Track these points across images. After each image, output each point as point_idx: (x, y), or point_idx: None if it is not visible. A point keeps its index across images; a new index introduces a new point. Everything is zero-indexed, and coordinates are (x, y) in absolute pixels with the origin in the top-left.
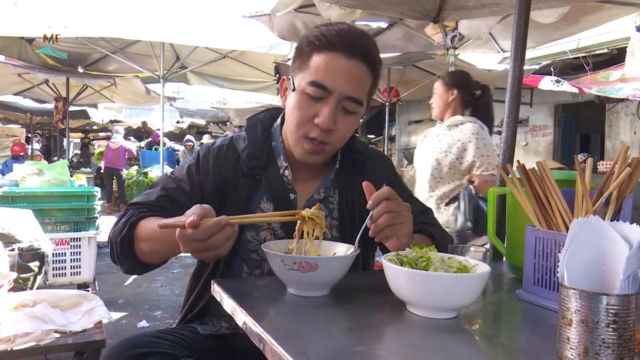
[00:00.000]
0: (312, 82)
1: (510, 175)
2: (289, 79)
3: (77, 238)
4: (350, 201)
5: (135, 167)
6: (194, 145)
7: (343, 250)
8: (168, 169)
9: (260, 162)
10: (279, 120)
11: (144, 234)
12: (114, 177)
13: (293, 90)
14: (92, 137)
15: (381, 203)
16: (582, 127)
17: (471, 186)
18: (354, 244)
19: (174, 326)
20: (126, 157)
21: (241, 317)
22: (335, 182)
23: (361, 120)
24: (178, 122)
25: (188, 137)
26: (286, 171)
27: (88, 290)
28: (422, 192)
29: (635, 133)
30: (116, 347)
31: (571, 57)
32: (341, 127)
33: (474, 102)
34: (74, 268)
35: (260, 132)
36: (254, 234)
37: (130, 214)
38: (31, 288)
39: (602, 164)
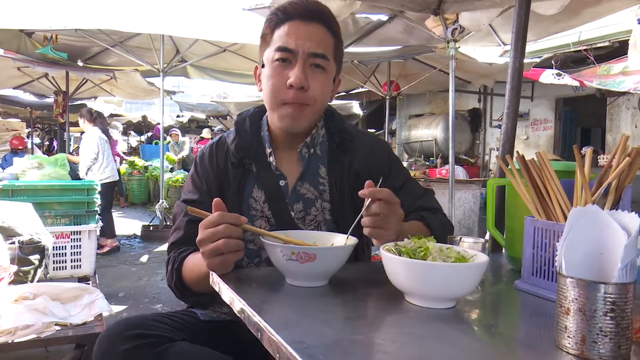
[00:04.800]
0: (276, 48)
1: (509, 167)
2: (260, 65)
3: (77, 231)
4: (339, 182)
5: (135, 158)
6: (179, 136)
7: (341, 240)
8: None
9: (249, 152)
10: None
11: (187, 273)
12: None
13: (262, 66)
14: None
15: (378, 203)
16: (583, 120)
17: None
18: (345, 230)
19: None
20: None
21: (239, 307)
22: (324, 163)
23: (361, 114)
24: (178, 116)
25: (174, 128)
26: (271, 157)
27: (88, 284)
28: None
29: (636, 127)
30: (114, 327)
31: (572, 50)
32: (315, 85)
33: None
34: (74, 261)
35: (249, 125)
36: (250, 225)
37: (173, 259)
38: (32, 281)
39: (603, 158)
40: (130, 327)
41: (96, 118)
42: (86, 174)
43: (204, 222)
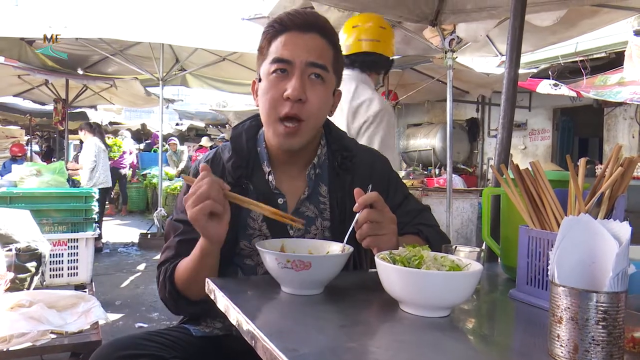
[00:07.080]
0: (273, 59)
1: (504, 176)
2: (257, 79)
3: (74, 239)
4: (341, 201)
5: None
6: (177, 145)
7: (336, 249)
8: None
9: (246, 171)
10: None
11: (180, 273)
12: (117, 179)
13: (259, 80)
14: None
15: (364, 210)
16: (580, 131)
17: None
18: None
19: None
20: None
21: (234, 315)
22: (325, 181)
23: None
24: (177, 124)
25: (172, 137)
26: (270, 176)
27: (85, 291)
28: None
29: (633, 137)
30: (104, 349)
31: (569, 60)
32: (313, 98)
33: None
34: (71, 269)
35: (245, 141)
36: (247, 243)
37: (164, 271)
38: (28, 288)
39: (599, 168)
40: (120, 348)
41: (95, 129)
42: (88, 181)
43: (192, 186)
